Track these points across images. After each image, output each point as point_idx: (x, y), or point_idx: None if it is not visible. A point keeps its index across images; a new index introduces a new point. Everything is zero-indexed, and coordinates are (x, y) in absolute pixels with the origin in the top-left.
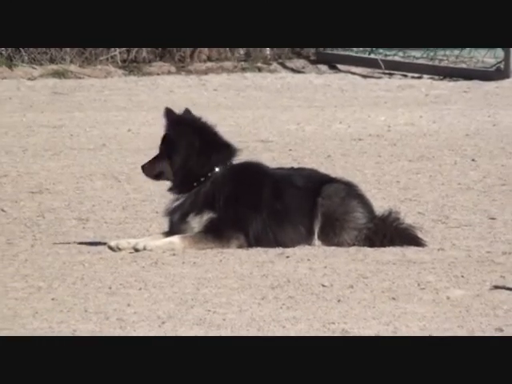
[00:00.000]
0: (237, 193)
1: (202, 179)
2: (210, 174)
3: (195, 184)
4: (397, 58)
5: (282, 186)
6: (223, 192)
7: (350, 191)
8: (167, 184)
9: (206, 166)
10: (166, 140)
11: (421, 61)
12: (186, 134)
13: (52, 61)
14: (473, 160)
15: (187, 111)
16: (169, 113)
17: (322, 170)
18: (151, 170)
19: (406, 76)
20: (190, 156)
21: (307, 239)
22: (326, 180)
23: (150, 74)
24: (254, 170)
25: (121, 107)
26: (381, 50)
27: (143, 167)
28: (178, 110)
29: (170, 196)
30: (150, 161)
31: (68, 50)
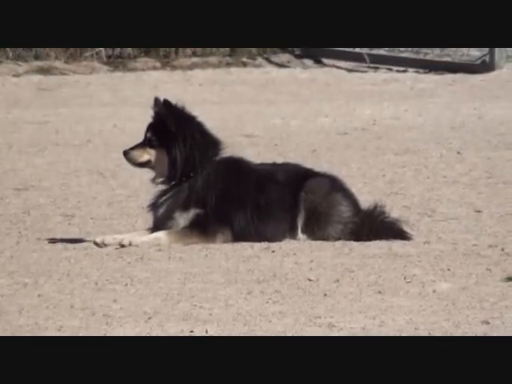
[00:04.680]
0: (223, 189)
1: (192, 174)
2: (199, 170)
3: (184, 179)
4: (382, 52)
5: (265, 181)
6: (212, 189)
7: (334, 185)
8: (150, 177)
9: (202, 162)
10: (160, 129)
11: (406, 54)
12: (190, 127)
13: (37, 57)
14: (458, 153)
15: (167, 102)
16: (167, 104)
17: (308, 164)
18: (136, 156)
19: (391, 70)
20: (192, 150)
21: (291, 234)
22: (310, 174)
23: (135, 69)
24: (239, 166)
25: (106, 103)
26: None
27: (126, 153)
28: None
29: (155, 189)
30: (133, 147)
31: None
